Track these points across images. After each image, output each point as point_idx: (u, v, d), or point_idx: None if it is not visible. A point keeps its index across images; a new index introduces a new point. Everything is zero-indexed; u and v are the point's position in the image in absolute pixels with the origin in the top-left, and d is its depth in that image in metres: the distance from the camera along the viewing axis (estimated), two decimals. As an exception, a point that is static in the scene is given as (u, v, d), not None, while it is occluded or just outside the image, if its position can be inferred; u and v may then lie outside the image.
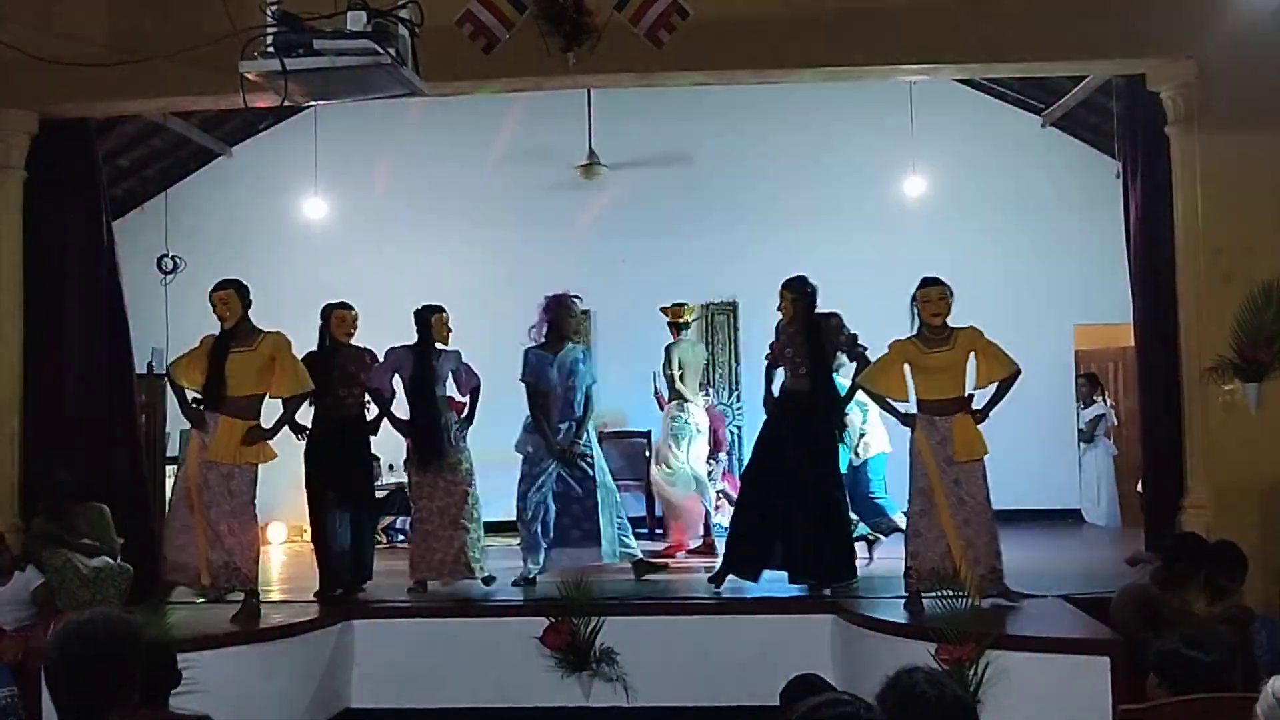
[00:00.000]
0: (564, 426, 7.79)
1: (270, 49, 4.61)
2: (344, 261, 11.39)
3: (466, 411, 7.88)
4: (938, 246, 10.79)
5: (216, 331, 6.95)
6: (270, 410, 7.08)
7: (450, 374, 7.79)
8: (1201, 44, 7.04)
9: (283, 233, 11.64)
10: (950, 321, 6.67)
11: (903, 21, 7.20)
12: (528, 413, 7.94)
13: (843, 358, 7.39)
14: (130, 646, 2.64)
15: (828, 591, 7.12)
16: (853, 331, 7.25)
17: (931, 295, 6.63)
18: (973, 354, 6.64)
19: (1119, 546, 8.66)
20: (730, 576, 7.35)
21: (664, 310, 9.59)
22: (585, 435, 7.90)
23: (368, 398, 7.82)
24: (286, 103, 4.92)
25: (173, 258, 11.24)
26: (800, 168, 11.39)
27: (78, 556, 6.95)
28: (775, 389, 7.48)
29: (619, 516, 7.94)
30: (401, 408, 7.80)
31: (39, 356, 7.74)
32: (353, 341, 7.80)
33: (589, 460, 7.87)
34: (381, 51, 4.58)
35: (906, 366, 6.72)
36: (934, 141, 10.94)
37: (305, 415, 7.61)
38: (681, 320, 9.48)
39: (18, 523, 7.42)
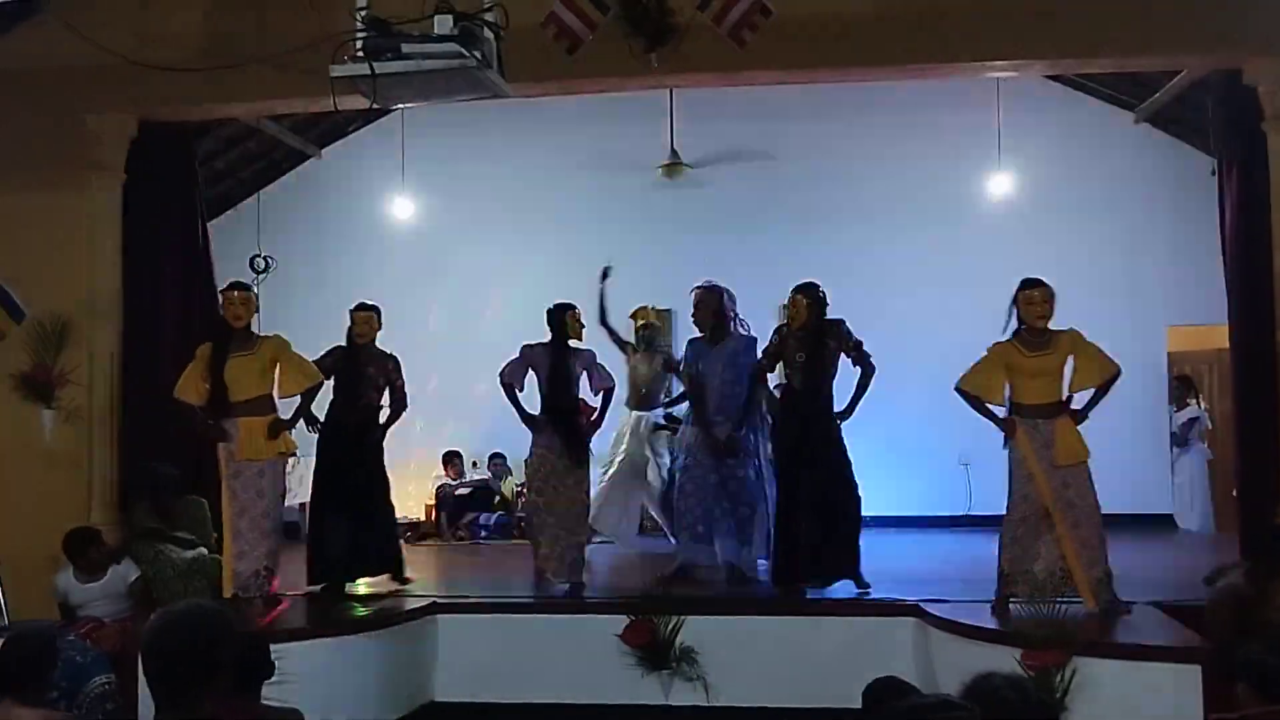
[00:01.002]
0: (720, 419, 7.70)
1: (360, 53, 4.71)
2: (430, 260, 11.55)
3: (597, 414, 7.86)
4: (1024, 246, 10.61)
5: (212, 342, 7.09)
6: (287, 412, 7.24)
7: (584, 372, 7.78)
8: (1301, 38, 6.85)
9: (370, 232, 11.83)
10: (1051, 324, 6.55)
11: (991, 17, 7.10)
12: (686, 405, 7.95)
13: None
14: (222, 636, 2.70)
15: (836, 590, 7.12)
16: (858, 338, 7.25)
17: (1035, 297, 6.47)
18: (1071, 356, 6.51)
19: (1213, 553, 8.44)
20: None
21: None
22: (744, 429, 7.73)
23: (384, 402, 7.75)
24: (375, 105, 5.01)
25: (264, 257, 11.49)
26: (883, 165, 11.27)
27: (172, 549, 7.12)
28: (774, 390, 7.58)
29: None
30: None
31: (137, 354, 7.95)
32: (379, 346, 7.72)
33: (745, 456, 7.74)
34: (467, 54, 4.66)
35: (1006, 370, 6.59)
36: (1021, 139, 10.76)
37: (319, 410, 7.64)
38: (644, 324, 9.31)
39: (116, 515, 7.64)
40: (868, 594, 7.11)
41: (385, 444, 7.68)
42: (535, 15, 6.96)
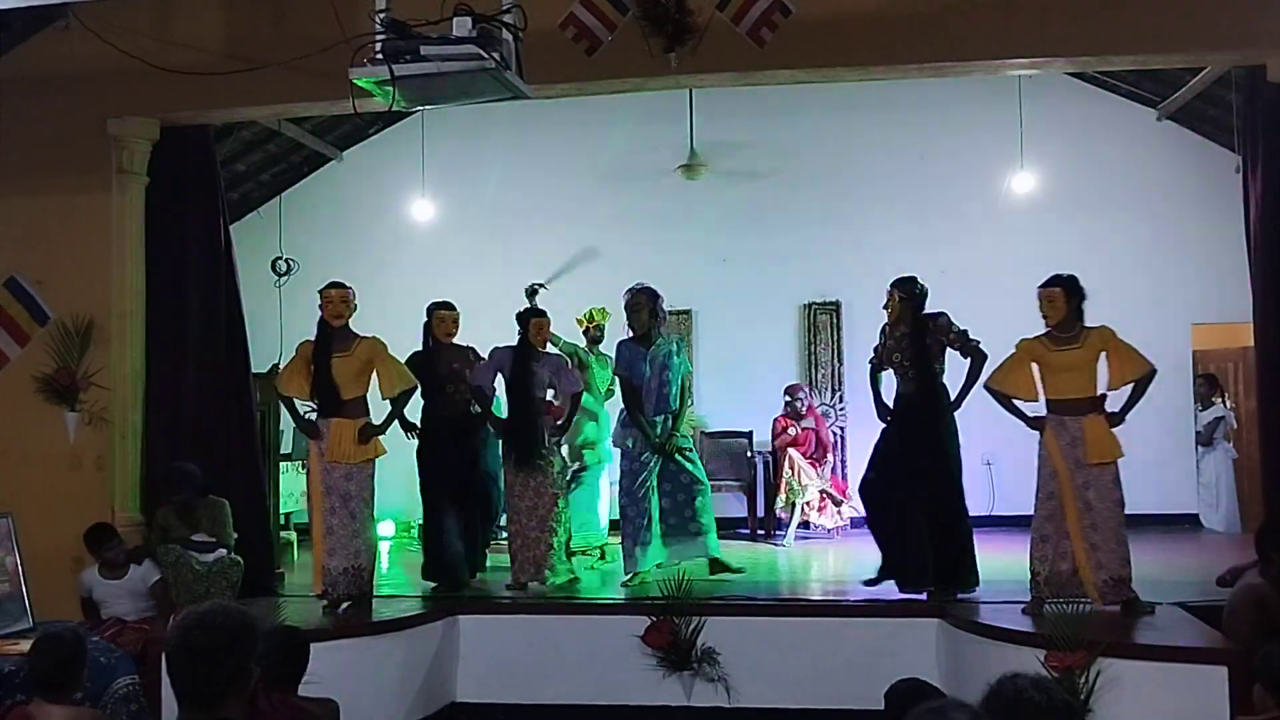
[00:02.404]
0: (659, 419, 7.79)
1: (379, 56, 4.71)
2: (451, 262, 11.57)
3: (564, 418, 7.92)
4: (1047, 244, 10.56)
5: (314, 340, 7.13)
6: (377, 410, 7.26)
7: (550, 377, 7.86)
8: (1326, 33, 6.78)
9: (391, 235, 11.87)
10: (1086, 321, 6.51)
11: (1012, 14, 7.06)
12: (622, 407, 7.99)
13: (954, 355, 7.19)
14: (247, 637, 2.71)
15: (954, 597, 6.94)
16: (962, 328, 7.07)
17: (1041, 296, 6.52)
18: (1104, 354, 6.47)
19: (1238, 553, 8.36)
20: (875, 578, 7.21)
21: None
22: (681, 428, 7.88)
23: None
24: (394, 108, 5.02)
25: (286, 260, 11.55)
26: (904, 164, 11.24)
27: (192, 553, 7.16)
28: (885, 394, 7.33)
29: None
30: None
31: (160, 356, 7.99)
32: (455, 340, 7.94)
33: (688, 453, 7.87)
34: (486, 56, 4.66)
35: (1034, 366, 6.56)
36: (1043, 136, 10.71)
37: (413, 414, 7.77)
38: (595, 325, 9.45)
39: (139, 517, 7.68)
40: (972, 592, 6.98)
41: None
42: (554, 16, 6.96)
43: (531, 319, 7.84)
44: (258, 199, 12.03)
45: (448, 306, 7.95)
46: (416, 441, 7.91)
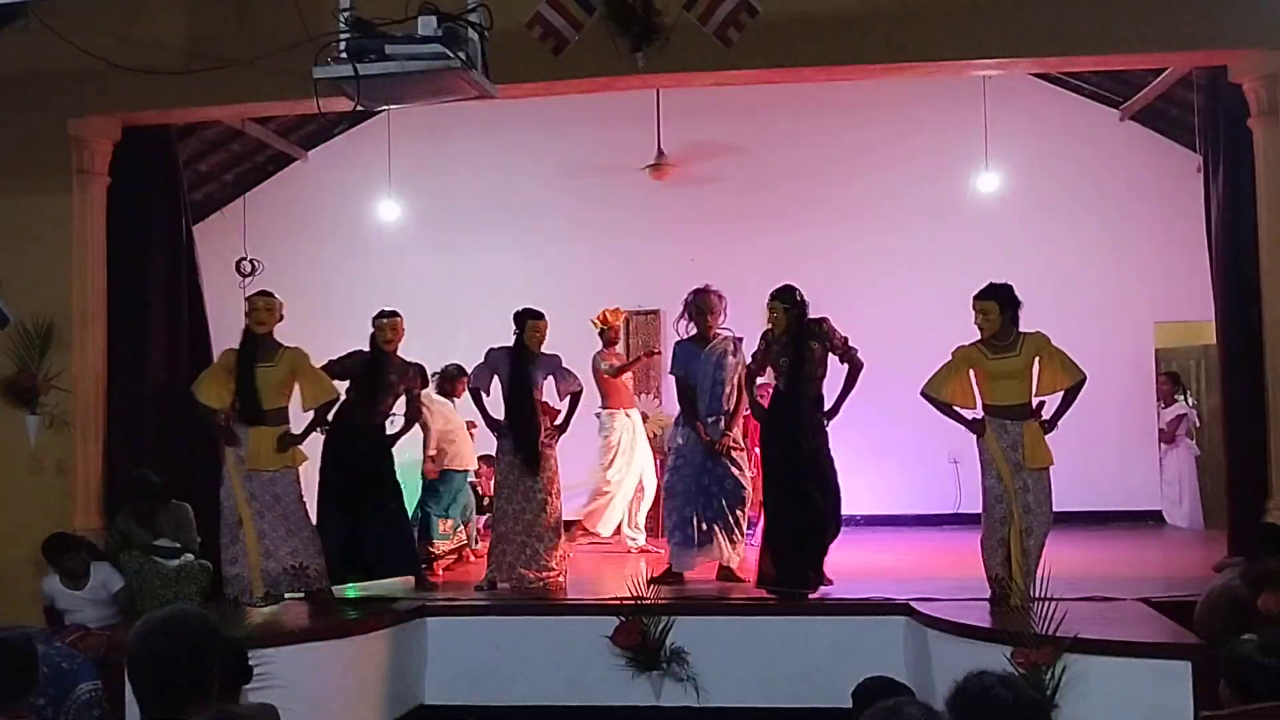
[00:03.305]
0: (711, 420, 7.71)
1: (343, 54, 4.68)
2: (417, 263, 11.53)
3: (562, 418, 7.86)
4: (1012, 243, 10.66)
5: (238, 349, 7.12)
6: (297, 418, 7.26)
7: (548, 377, 7.79)
8: (1286, 34, 6.87)
9: (357, 235, 11.81)
10: (1022, 328, 6.58)
11: (976, 14, 7.11)
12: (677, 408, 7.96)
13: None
14: (210, 642, 2.69)
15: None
16: (844, 335, 7.25)
17: (975, 307, 6.58)
18: (1038, 359, 6.54)
19: (1201, 548, 8.47)
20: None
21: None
22: (734, 429, 7.81)
23: (395, 414, 7.84)
24: (359, 107, 4.99)
25: (250, 260, 11.44)
26: (871, 165, 11.29)
27: (157, 559, 7.09)
28: (759, 398, 7.56)
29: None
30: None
31: (122, 358, 7.92)
32: (401, 353, 7.78)
33: (737, 457, 7.76)
34: (452, 55, 4.63)
35: (972, 373, 6.64)
36: (1008, 136, 10.79)
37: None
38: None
39: (101, 521, 7.60)
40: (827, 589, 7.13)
41: None
42: (520, 15, 6.94)
43: (529, 320, 7.73)
44: (221, 199, 11.92)
45: (390, 314, 7.75)
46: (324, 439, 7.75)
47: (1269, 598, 5.57)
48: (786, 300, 7.27)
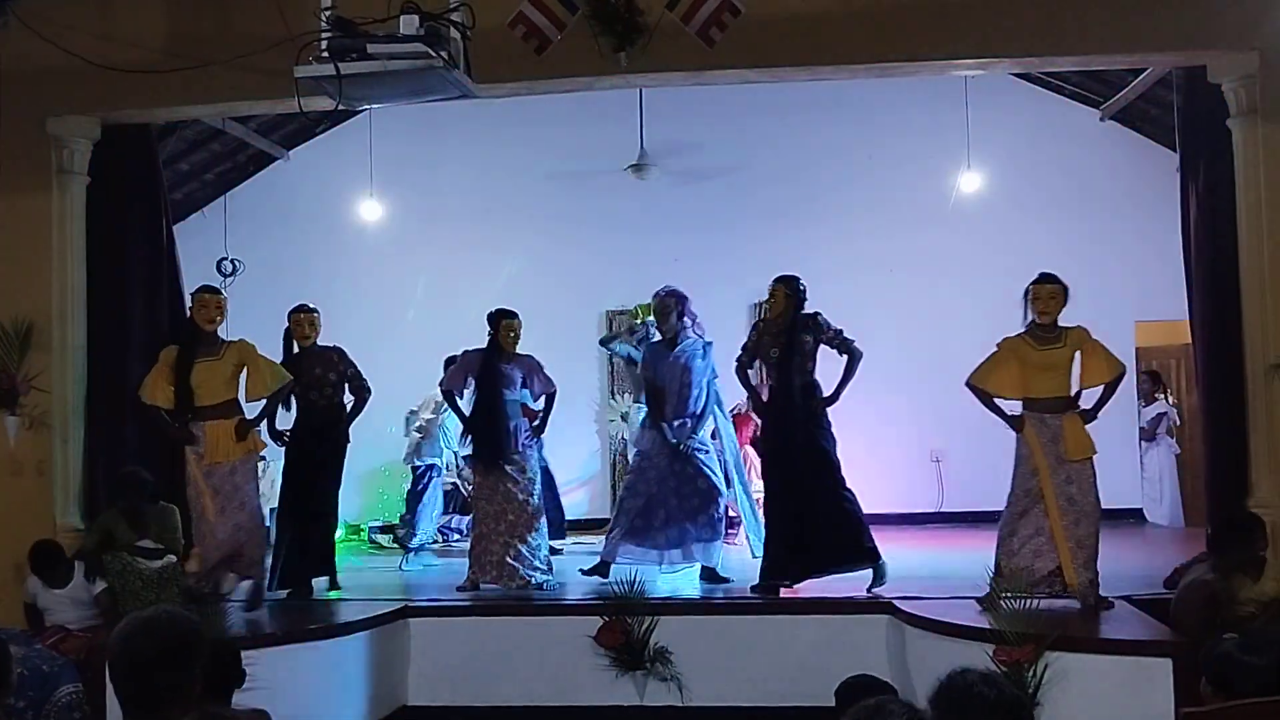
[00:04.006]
0: (678, 423, 7.70)
1: (325, 53, 4.67)
2: (400, 262, 11.50)
3: (540, 419, 7.83)
4: (994, 243, 10.70)
5: (178, 345, 7.09)
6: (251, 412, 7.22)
7: (522, 379, 7.76)
8: (1264, 35, 6.91)
9: (339, 235, 11.76)
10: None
11: (957, 15, 7.13)
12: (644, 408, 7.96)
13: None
14: (193, 643, 2.67)
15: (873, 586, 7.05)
16: (838, 327, 7.28)
17: (1042, 292, 6.53)
18: (1079, 353, 6.54)
19: (1181, 546, 8.51)
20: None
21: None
22: (700, 432, 7.81)
23: (345, 397, 7.79)
24: (340, 106, 4.98)
25: (232, 260, 11.41)
26: (854, 165, 11.32)
27: (139, 560, 7.05)
28: (759, 389, 7.54)
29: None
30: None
31: (102, 359, 7.87)
32: (320, 341, 7.76)
33: (704, 458, 7.74)
34: (434, 55, 4.63)
35: (1016, 364, 6.59)
36: (990, 136, 10.82)
37: (286, 422, 7.71)
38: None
39: (81, 523, 7.55)
40: (883, 579, 7.07)
41: (352, 448, 7.71)
42: (503, 15, 6.93)
43: (502, 320, 7.73)
44: (202, 199, 11.86)
45: (304, 310, 7.74)
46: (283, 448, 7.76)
47: (1241, 585, 5.62)
48: (790, 286, 7.30)
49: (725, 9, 6.98)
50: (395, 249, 11.62)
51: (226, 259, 11.41)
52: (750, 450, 10.13)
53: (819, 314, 7.32)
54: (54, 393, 7.61)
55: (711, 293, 10.17)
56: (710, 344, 7.88)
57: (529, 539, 7.56)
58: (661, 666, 6.69)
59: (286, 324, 7.73)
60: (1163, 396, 10.96)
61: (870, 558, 7.11)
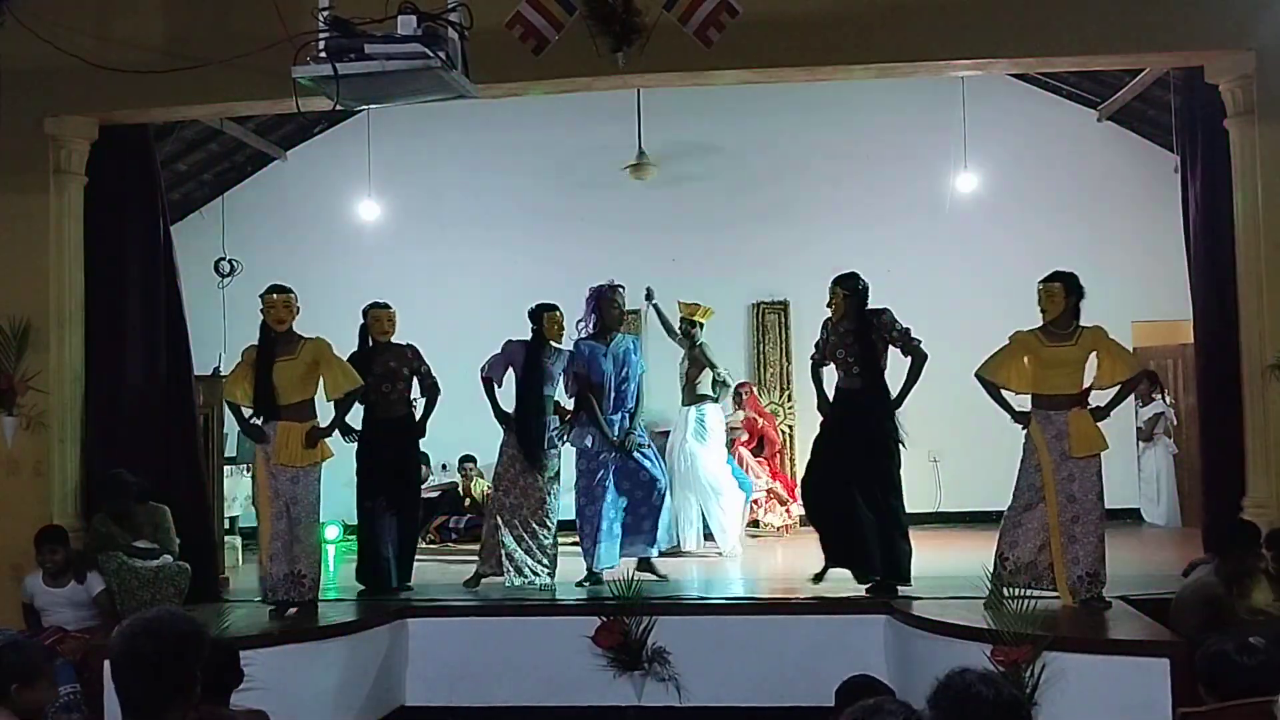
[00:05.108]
0: (617, 418, 7.77)
1: (322, 54, 4.66)
2: (398, 263, 11.49)
3: (571, 415, 7.88)
4: (991, 244, 10.72)
5: (258, 345, 7.07)
6: (324, 411, 7.20)
7: (561, 374, 7.81)
8: (1260, 35, 6.91)
9: (337, 235, 11.76)
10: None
11: (955, 16, 7.13)
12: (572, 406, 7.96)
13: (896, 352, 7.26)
14: (195, 644, 2.67)
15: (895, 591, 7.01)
16: (905, 325, 7.13)
17: (1040, 291, 6.56)
18: (1094, 353, 6.54)
19: (1179, 547, 8.52)
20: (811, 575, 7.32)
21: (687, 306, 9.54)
22: (639, 426, 7.88)
23: (415, 394, 7.85)
24: (338, 107, 4.97)
25: (229, 261, 11.40)
26: (850, 165, 11.32)
27: (135, 560, 7.05)
28: (827, 389, 7.37)
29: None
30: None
31: (100, 359, 7.86)
32: (394, 340, 7.83)
33: (647, 452, 7.85)
34: (431, 55, 4.62)
35: (1026, 359, 6.60)
36: (986, 137, 10.83)
37: (355, 417, 7.71)
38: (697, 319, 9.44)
39: (78, 523, 7.55)
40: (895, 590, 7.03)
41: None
42: (500, 15, 6.92)
43: (545, 313, 7.77)
44: (200, 199, 11.86)
45: (383, 305, 7.83)
46: (356, 445, 7.79)
47: (1242, 589, 5.63)
48: (848, 286, 7.17)
49: (723, 9, 6.97)
50: (393, 249, 11.61)
51: (224, 259, 11.42)
52: (743, 450, 10.16)
53: (887, 310, 7.16)
54: (51, 393, 7.60)
55: (710, 293, 10.19)
56: (638, 337, 7.96)
57: (540, 535, 7.61)
58: (659, 667, 6.69)
59: (362, 320, 7.76)
60: (1160, 396, 10.96)
61: (900, 579, 7.05)
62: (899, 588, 7.03)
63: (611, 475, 7.74)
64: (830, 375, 7.38)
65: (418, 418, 7.84)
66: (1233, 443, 7.26)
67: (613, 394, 7.78)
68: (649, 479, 7.80)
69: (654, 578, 7.76)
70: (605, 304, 7.91)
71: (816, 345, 7.41)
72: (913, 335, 7.09)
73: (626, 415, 7.80)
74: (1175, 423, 10.98)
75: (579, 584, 7.62)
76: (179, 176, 11.03)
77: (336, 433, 7.28)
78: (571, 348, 7.92)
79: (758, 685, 6.72)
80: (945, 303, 10.42)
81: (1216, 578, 5.81)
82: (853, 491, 7.01)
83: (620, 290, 8.02)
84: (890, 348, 7.14)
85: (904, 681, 6.06)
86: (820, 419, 7.39)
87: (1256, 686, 3.39)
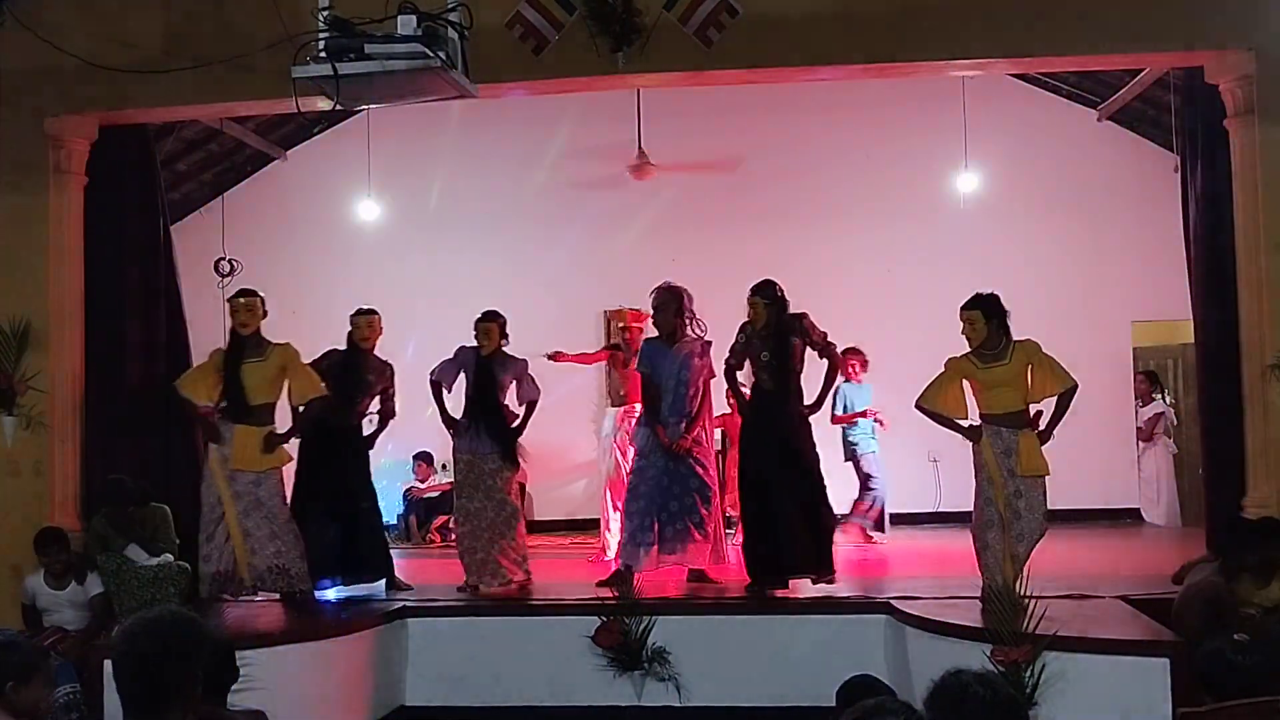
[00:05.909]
0: (674, 421, 7.63)
1: (322, 54, 4.67)
2: (397, 263, 11.48)
3: (519, 422, 7.79)
4: (992, 244, 10.71)
5: (226, 348, 7.15)
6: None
7: (513, 382, 7.74)
8: (1260, 35, 6.92)
9: (336, 235, 11.75)
10: (1015, 335, 6.59)
11: (955, 16, 7.13)
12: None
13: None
14: (196, 643, 2.68)
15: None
16: (822, 330, 7.31)
17: (961, 317, 6.59)
18: (1030, 368, 6.55)
19: (1179, 546, 8.51)
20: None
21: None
22: (699, 431, 7.72)
23: (372, 411, 7.83)
24: (338, 106, 4.97)
25: (229, 260, 11.37)
26: (851, 165, 11.30)
27: (132, 560, 7.06)
28: (743, 390, 7.55)
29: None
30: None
31: (99, 359, 7.87)
32: (378, 349, 7.77)
33: (701, 458, 7.67)
34: (431, 55, 4.62)
35: (965, 383, 6.65)
36: (987, 137, 10.81)
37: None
38: None
39: (78, 523, 7.55)
40: (832, 581, 7.12)
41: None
42: (501, 15, 6.94)
43: (491, 321, 7.68)
44: (199, 199, 11.85)
45: (368, 312, 7.74)
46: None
47: (1247, 588, 5.63)
48: (766, 295, 7.29)
49: (723, 9, 6.99)
50: (393, 249, 11.60)
51: (224, 259, 11.38)
52: None
53: (805, 315, 7.32)
54: (51, 393, 7.61)
55: (710, 293, 10.16)
56: (710, 343, 7.85)
57: (508, 535, 7.54)
58: (659, 666, 6.69)
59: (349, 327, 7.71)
60: (1160, 396, 10.97)
61: (829, 570, 7.16)
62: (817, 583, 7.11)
63: (659, 477, 7.60)
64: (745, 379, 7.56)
65: (365, 434, 7.80)
66: (1233, 442, 7.26)
67: (670, 397, 7.67)
68: (698, 485, 7.59)
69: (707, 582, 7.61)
70: (654, 308, 7.87)
71: (732, 350, 7.46)
72: (830, 340, 7.32)
73: (684, 420, 7.63)
74: (1175, 423, 10.99)
75: (599, 584, 7.40)
76: (179, 176, 11.02)
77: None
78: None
79: (758, 685, 6.72)
80: (946, 302, 10.36)
81: (1220, 575, 5.80)
82: (773, 491, 7.12)
83: (666, 292, 7.86)
84: (809, 350, 7.31)
85: (903, 681, 6.06)
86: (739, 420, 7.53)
87: (1255, 686, 3.39)
